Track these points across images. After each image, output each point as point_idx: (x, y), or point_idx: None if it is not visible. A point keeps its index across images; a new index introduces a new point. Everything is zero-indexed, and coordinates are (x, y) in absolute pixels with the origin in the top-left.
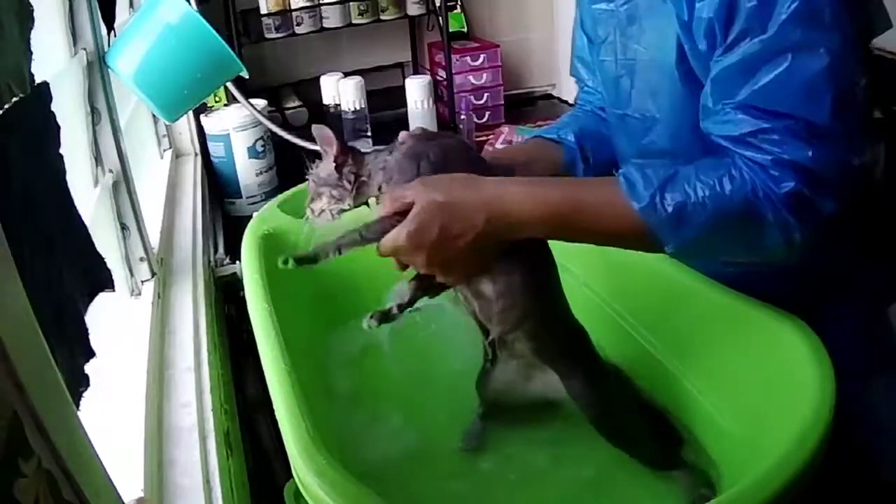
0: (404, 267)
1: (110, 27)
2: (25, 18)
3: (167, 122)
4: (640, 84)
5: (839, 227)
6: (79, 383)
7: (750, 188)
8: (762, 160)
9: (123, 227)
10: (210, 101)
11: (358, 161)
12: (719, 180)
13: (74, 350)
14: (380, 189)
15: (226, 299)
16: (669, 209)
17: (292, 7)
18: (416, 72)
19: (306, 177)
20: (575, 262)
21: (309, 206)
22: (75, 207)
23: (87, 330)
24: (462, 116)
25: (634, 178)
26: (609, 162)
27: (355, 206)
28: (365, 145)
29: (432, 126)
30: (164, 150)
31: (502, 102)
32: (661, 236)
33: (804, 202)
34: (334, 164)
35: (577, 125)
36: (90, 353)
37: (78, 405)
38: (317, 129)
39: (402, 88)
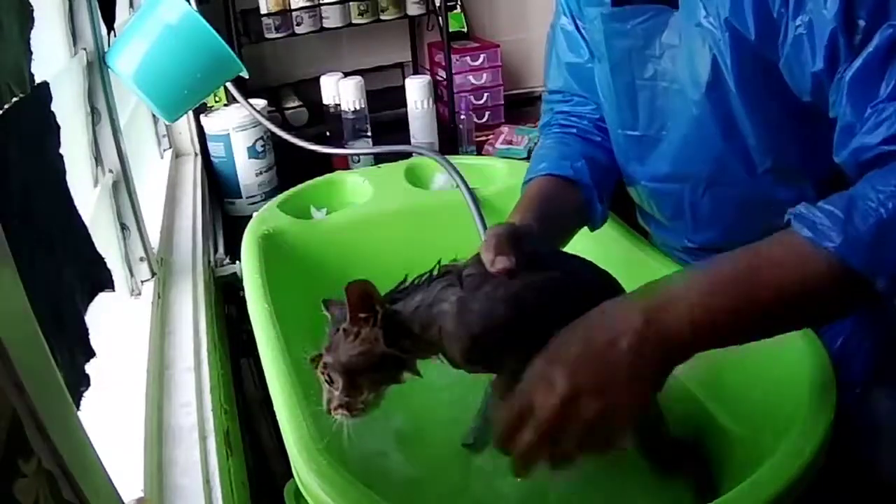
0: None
1: (110, 27)
2: (25, 18)
3: (167, 122)
4: (658, 104)
5: None
6: (79, 383)
7: None
8: None
9: (123, 227)
10: (210, 101)
11: (398, 319)
12: None
13: (74, 350)
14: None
15: (226, 299)
16: (869, 236)
17: (292, 7)
18: (416, 72)
19: (316, 368)
20: None
21: (343, 413)
22: (75, 207)
23: (87, 330)
24: (462, 116)
25: (814, 218)
26: (613, 194)
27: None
28: (365, 145)
29: (432, 126)
30: (164, 150)
31: (502, 102)
32: (867, 271)
33: None
34: (381, 331)
35: (584, 157)
36: (90, 353)
37: (78, 405)
38: (328, 304)
39: (402, 88)
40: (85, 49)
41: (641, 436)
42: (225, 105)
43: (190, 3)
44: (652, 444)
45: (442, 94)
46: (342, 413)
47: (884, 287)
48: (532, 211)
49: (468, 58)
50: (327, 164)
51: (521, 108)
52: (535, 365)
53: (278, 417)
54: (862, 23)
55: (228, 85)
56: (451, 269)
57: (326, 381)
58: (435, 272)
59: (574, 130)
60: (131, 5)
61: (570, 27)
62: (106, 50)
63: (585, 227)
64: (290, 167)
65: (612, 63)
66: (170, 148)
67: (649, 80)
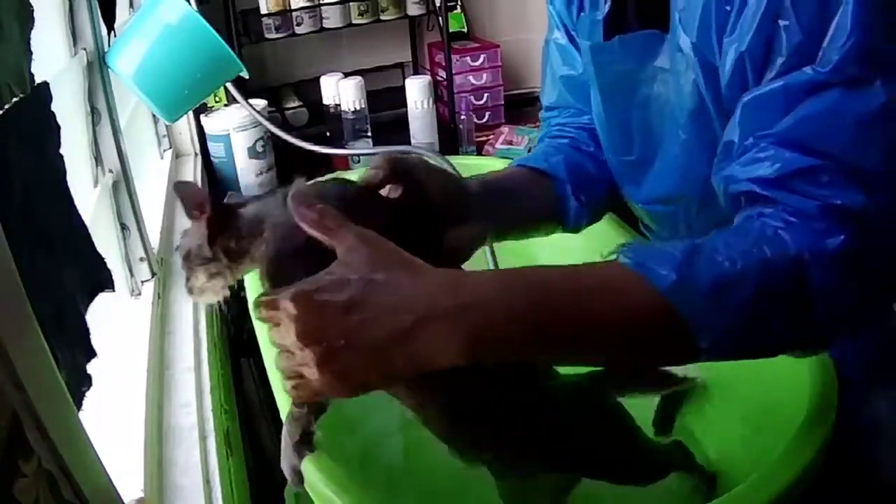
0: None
1: (110, 27)
2: (25, 18)
3: (167, 122)
4: (650, 128)
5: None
6: (80, 383)
7: (795, 249)
8: (807, 207)
9: (123, 227)
10: (210, 101)
11: (234, 222)
12: (756, 244)
13: (75, 350)
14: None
15: (226, 299)
16: (704, 286)
17: (292, 7)
18: (416, 72)
19: (176, 249)
20: (576, 261)
21: (186, 285)
22: (75, 207)
23: (88, 330)
24: (462, 117)
25: (645, 256)
26: (601, 204)
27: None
28: (365, 145)
29: (432, 126)
30: (164, 150)
31: (502, 102)
32: (694, 325)
33: (856, 261)
34: (206, 235)
35: (564, 156)
36: (91, 353)
37: (80, 405)
38: (179, 186)
39: (403, 89)
40: (85, 49)
41: (615, 455)
42: (225, 105)
43: (190, 3)
44: (631, 456)
45: (442, 95)
46: (191, 296)
47: (706, 347)
48: (481, 180)
49: (468, 58)
50: (327, 165)
51: (521, 108)
52: (292, 292)
53: (282, 416)
54: (780, 59)
55: (228, 85)
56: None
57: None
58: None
59: (565, 140)
60: (131, 5)
61: (563, 40)
62: (106, 50)
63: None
64: (290, 167)
65: (604, 92)
66: (170, 148)
67: (641, 105)
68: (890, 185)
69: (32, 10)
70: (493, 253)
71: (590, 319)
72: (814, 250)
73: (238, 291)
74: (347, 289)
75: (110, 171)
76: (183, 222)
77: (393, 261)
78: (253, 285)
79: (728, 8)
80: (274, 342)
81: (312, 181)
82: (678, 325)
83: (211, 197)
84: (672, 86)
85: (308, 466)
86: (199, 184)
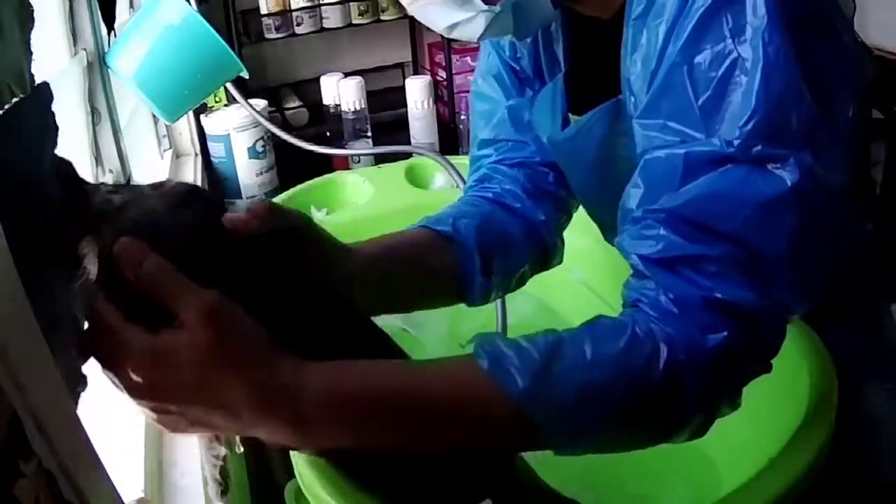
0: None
1: (110, 27)
2: (25, 18)
3: (167, 123)
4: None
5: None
6: (76, 383)
7: (668, 351)
8: (690, 296)
9: None
10: (210, 101)
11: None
12: (628, 347)
13: (72, 351)
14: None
15: None
16: (562, 396)
17: (292, 7)
18: (416, 72)
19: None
20: (576, 261)
21: None
22: None
23: (83, 330)
24: (462, 117)
25: (502, 352)
26: (520, 275)
27: None
28: (365, 145)
29: (432, 126)
30: (164, 150)
31: None
32: (545, 433)
33: (736, 355)
34: None
35: (479, 220)
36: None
37: (76, 405)
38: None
39: (403, 89)
40: (85, 49)
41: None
42: (225, 105)
43: (190, 4)
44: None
45: (442, 95)
46: None
47: (561, 452)
48: (380, 246)
49: (468, 58)
50: (327, 165)
51: None
52: (144, 349)
53: None
54: (679, 124)
55: (228, 85)
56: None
57: None
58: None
59: (489, 195)
60: (131, 5)
61: (505, 75)
62: (106, 50)
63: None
64: (290, 167)
65: (577, 175)
66: (170, 148)
67: (619, 176)
68: (788, 271)
69: (32, 10)
70: None
71: (435, 439)
72: (691, 349)
73: None
74: (189, 371)
75: (110, 171)
76: None
77: (238, 348)
78: None
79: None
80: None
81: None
82: (531, 430)
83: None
84: (634, 147)
85: (307, 470)
86: (200, 184)
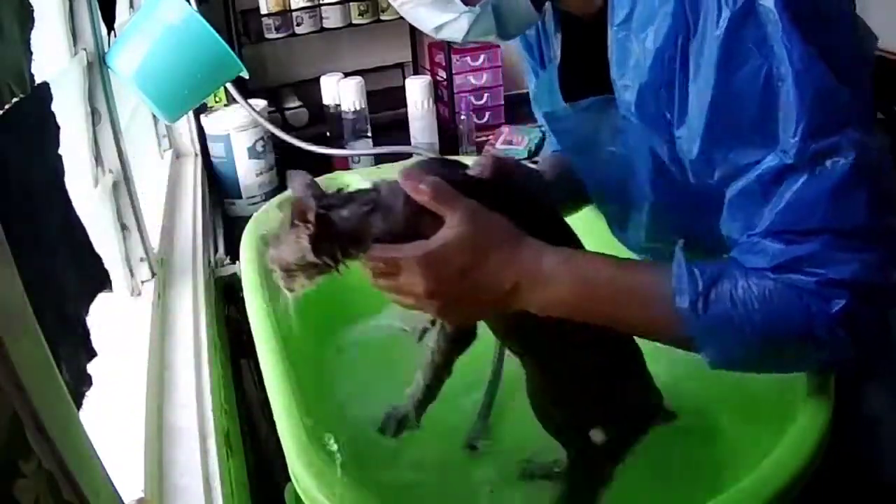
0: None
1: (110, 27)
2: (25, 18)
3: (167, 123)
4: (620, 181)
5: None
6: (81, 383)
7: (802, 305)
8: (807, 284)
9: (123, 228)
10: (210, 101)
11: (333, 230)
12: (769, 291)
13: (77, 350)
14: (366, 243)
15: (226, 299)
16: (712, 320)
17: (292, 7)
18: (416, 72)
19: (270, 265)
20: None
21: (284, 287)
22: (73, 208)
23: (88, 330)
24: (462, 117)
25: (680, 272)
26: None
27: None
28: (365, 145)
29: (432, 127)
30: (164, 150)
31: (502, 103)
32: (697, 341)
33: (859, 318)
34: (311, 246)
35: None
36: (92, 353)
37: (80, 405)
38: (296, 197)
39: (403, 89)
40: (85, 49)
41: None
42: (225, 105)
43: (190, 4)
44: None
45: (442, 95)
46: (281, 281)
47: (708, 357)
48: (555, 168)
49: (468, 58)
50: (327, 165)
51: (521, 108)
52: (424, 253)
53: (276, 419)
54: (738, 151)
55: (228, 85)
56: (375, 188)
57: (269, 264)
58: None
59: None
60: (131, 5)
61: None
62: (106, 50)
63: None
64: (290, 168)
65: (569, 152)
66: (170, 148)
67: (606, 162)
68: (878, 233)
69: (32, 10)
70: None
71: (619, 316)
72: (818, 310)
73: (238, 291)
74: (461, 257)
75: (110, 171)
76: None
77: (496, 234)
78: (252, 286)
79: (669, 95)
80: (390, 289)
81: (416, 162)
82: (688, 336)
83: (315, 208)
84: (630, 147)
85: (303, 472)
86: (199, 184)
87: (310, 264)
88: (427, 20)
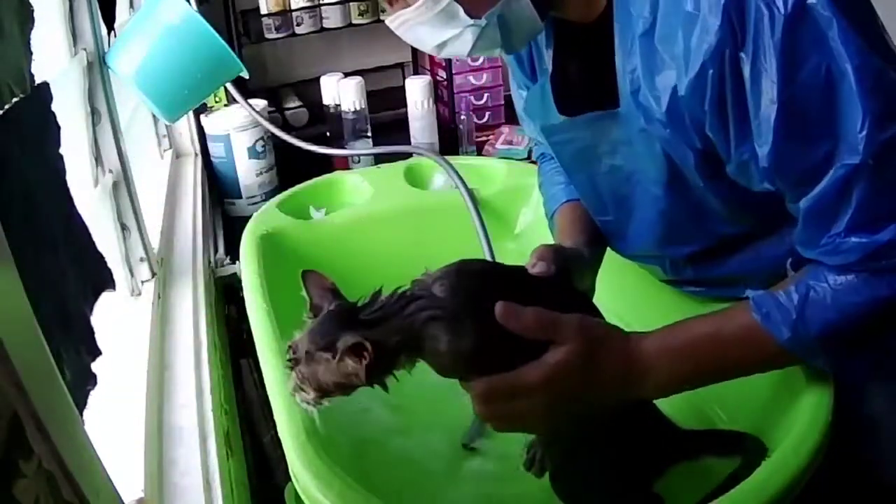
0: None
1: (110, 27)
2: (25, 18)
3: (167, 123)
4: (621, 193)
5: None
6: (86, 382)
7: (891, 289)
8: (891, 268)
9: (123, 227)
10: (210, 101)
11: (385, 352)
12: (856, 284)
13: (81, 349)
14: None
15: (226, 299)
16: (815, 338)
17: (292, 7)
18: (416, 72)
19: (298, 382)
20: None
21: (311, 404)
22: (75, 208)
23: (92, 329)
24: (462, 117)
25: (768, 308)
26: None
27: None
28: (365, 145)
29: (432, 127)
30: (164, 150)
31: (502, 102)
32: (808, 359)
33: None
34: (365, 377)
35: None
36: (96, 352)
37: (85, 404)
38: (315, 305)
39: (403, 89)
40: (85, 49)
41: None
42: (225, 105)
43: (190, 4)
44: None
45: (442, 95)
46: (303, 402)
47: (822, 365)
48: (581, 234)
49: (468, 58)
50: (327, 165)
51: None
52: (534, 375)
53: (276, 419)
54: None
55: (228, 85)
56: (423, 290)
57: (297, 383)
58: (405, 290)
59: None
60: (131, 5)
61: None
62: (106, 50)
63: None
64: (290, 167)
65: (565, 164)
66: (170, 148)
67: (606, 174)
68: None
69: (32, 10)
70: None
71: (726, 369)
72: None
73: (238, 291)
74: (580, 373)
75: (110, 171)
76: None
77: (606, 344)
78: (252, 286)
79: (705, 107)
80: (502, 414)
81: (461, 264)
82: (798, 358)
83: (363, 340)
84: (636, 158)
85: (303, 472)
86: (199, 184)
87: (349, 388)
88: (428, 39)
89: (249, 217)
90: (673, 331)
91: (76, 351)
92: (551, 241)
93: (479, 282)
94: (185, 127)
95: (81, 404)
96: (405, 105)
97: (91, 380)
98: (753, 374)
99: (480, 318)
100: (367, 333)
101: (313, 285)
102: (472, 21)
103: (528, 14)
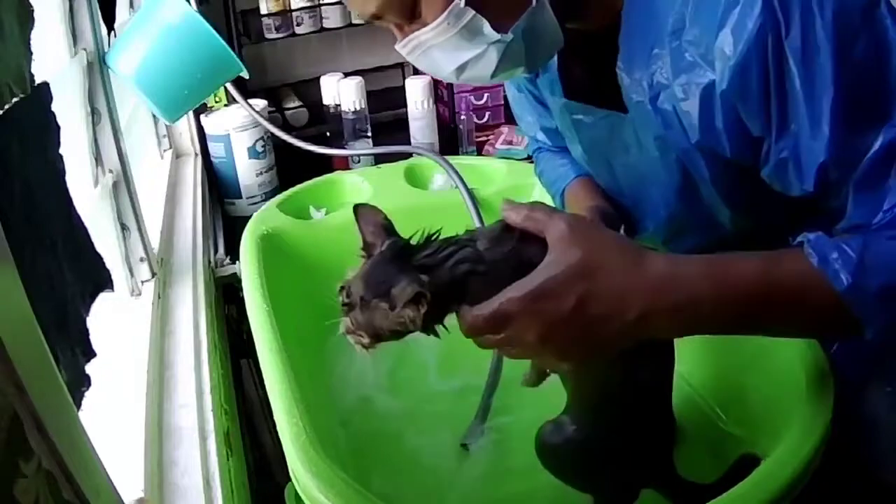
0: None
1: (110, 27)
2: (25, 18)
3: (167, 123)
4: (636, 179)
5: None
6: (80, 383)
7: None
8: None
9: (123, 227)
10: (210, 101)
11: (441, 299)
12: None
13: (76, 350)
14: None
15: (226, 299)
16: (874, 292)
17: (292, 7)
18: (416, 72)
19: (345, 332)
20: None
21: (364, 348)
22: (75, 208)
23: (87, 330)
24: (462, 117)
25: (826, 251)
26: None
27: None
28: (365, 145)
29: (432, 127)
30: (164, 151)
31: (502, 102)
32: (863, 320)
33: None
34: (422, 324)
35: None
36: (91, 354)
37: (79, 405)
38: (369, 242)
39: (403, 89)
40: (85, 49)
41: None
42: (225, 105)
43: (190, 4)
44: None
45: (442, 95)
46: (357, 342)
47: (871, 336)
48: (603, 199)
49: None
50: (327, 165)
51: None
52: (527, 294)
53: (276, 419)
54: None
55: (228, 85)
56: (469, 241)
57: (350, 327)
58: (457, 237)
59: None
60: (131, 5)
61: (526, 98)
62: (106, 50)
63: None
64: (290, 167)
65: (584, 146)
66: (170, 148)
67: (622, 163)
68: None
69: (32, 10)
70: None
71: (774, 316)
72: None
73: (238, 291)
74: (571, 288)
75: (110, 171)
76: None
77: (607, 253)
78: (252, 286)
79: (747, 99)
80: (499, 346)
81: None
82: (849, 319)
83: (423, 289)
84: (650, 162)
85: (303, 472)
86: (199, 184)
87: (403, 332)
88: (445, 63)
89: (249, 217)
90: (718, 259)
91: (72, 352)
92: None
93: (520, 240)
94: (185, 127)
95: (76, 405)
96: (405, 105)
97: (85, 381)
98: (792, 334)
99: (520, 277)
100: (423, 279)
101: (366, 221)
102: (497, 37)
103: (552, 27)
